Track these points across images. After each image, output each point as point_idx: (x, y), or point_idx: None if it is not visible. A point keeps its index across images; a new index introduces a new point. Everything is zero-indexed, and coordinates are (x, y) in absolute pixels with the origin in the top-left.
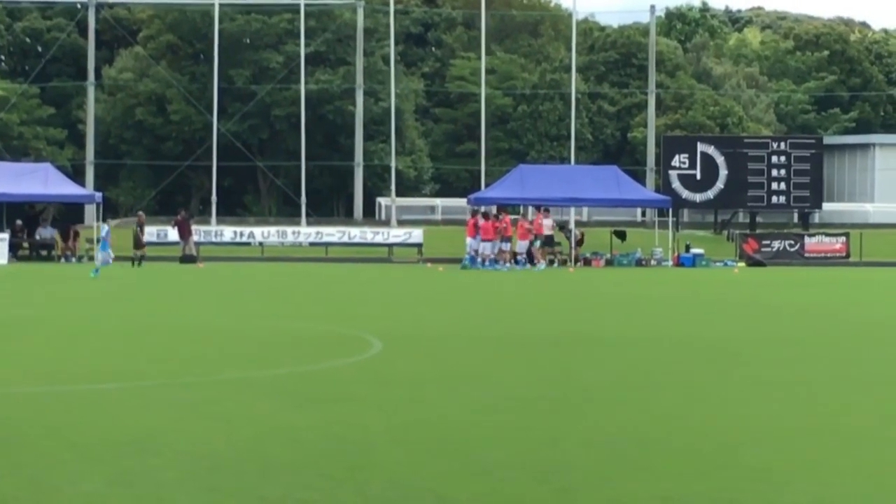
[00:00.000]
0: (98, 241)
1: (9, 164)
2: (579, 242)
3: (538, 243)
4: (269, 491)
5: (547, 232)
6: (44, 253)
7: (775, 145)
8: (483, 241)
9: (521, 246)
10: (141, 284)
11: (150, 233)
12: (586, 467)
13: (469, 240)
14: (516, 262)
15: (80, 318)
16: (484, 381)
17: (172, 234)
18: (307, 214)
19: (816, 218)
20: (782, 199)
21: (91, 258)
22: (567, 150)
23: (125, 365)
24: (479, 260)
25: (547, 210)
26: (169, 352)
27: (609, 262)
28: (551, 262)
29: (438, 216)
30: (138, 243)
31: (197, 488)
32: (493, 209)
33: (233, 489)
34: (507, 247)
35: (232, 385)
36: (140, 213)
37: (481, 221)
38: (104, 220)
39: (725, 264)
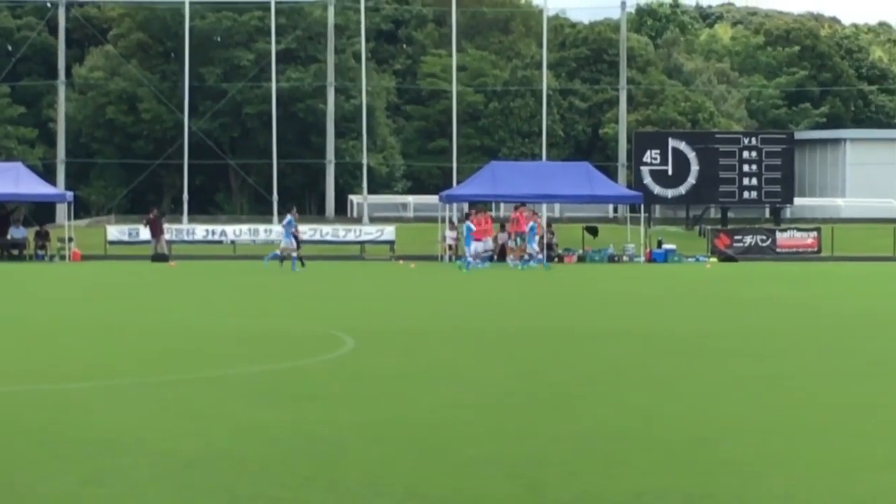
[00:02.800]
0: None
1: None
2: (549, 246)
3: (520, 241)
4: (242, 488)
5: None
6: (15, 252)
7: (746, 141)
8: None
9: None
10: (113, 283)
11: (122, 231)
12: (558, 462)
13: (476, 243)
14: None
15: (52, 317)
16: (456, 378)
17: (144, 232)
18: (279, 212)
19: (788, 213)
20: (754, 194)
21: (63, 257)
22: (539, 146)
23: (97, 364)
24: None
25: (524, 205)
26: (141, 350)
27: (581, 259)
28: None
29: (410, 213)
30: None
31: (170, 486)
32: (465, 207)
33: (206, 487)
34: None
35: (204, 383)
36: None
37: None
38: (288, 210)
39: (697, 260)
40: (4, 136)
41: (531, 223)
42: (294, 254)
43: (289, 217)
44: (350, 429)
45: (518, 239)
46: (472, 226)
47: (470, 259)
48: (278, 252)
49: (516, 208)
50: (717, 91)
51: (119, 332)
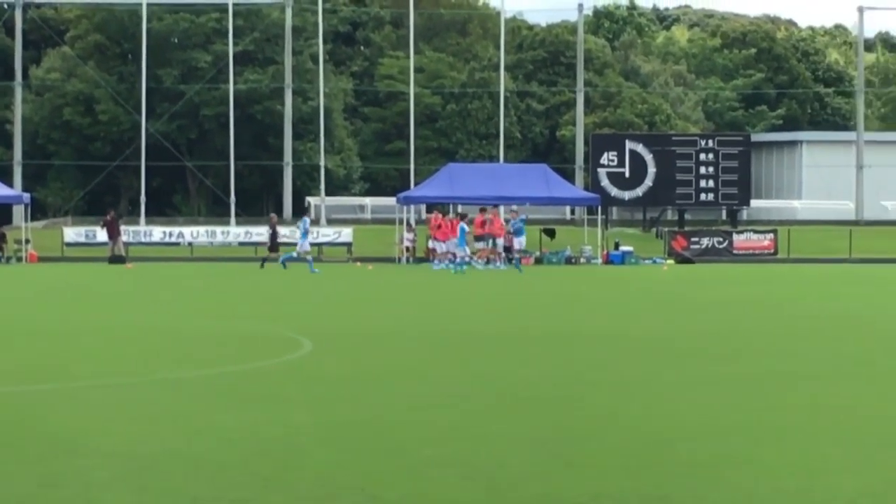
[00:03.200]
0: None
1: None
2: (508, 248)
3: (491, 243)
4: (200, 491)
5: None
6: None
7: (703, 143)
8: (444, 241)
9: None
10: (70, 285)
11: (79, 233)
12: (517, 465)
13: (441, 244)
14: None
15: (8, 319)
16: (414, 380)
17: (101, 234)
18: (236, 214)
19: (745, 215)
20: (711, 196)
21: (19, 259)
22: (496, 148)
23: (54, 366)
24: (458, 259)
25: (495, 207)
26: (97, 353)
27: (538, 261)
28: (487, 262)
29: (368, 215)
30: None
31: (127, 489)
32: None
33: (163, 489)
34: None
35: (161, 385)
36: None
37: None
38: (305, 212)
39: (654, 262)
40: None
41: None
42: (309, 256)
43: (305, 219)
44: (307, 431)
45: (492, 241)
46: (466, 226)
47: (468, 260)
48: (294, 254)
49: (483, 210)
50: (673, 93)
51: (76, 334)
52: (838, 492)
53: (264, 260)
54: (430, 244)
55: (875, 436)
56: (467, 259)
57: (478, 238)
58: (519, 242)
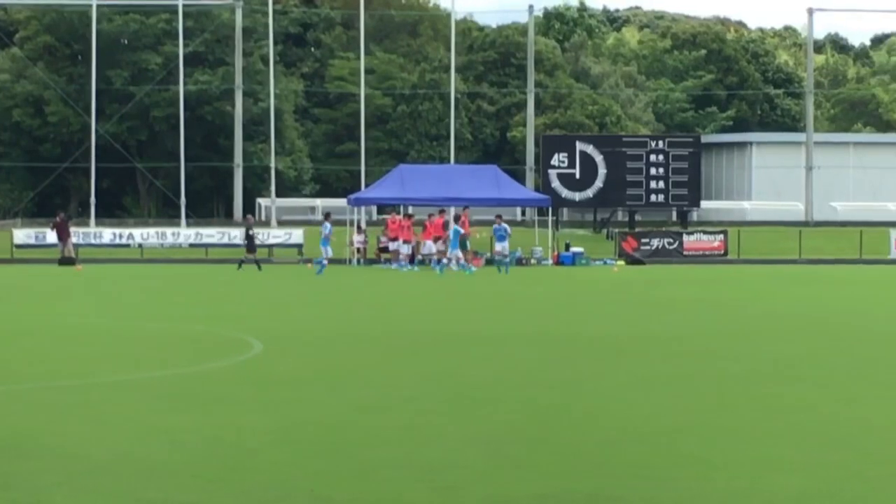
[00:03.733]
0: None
1: None
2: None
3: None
4: (149, 493)
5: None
6: None
7: (654, 144)
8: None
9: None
10: (19, 286)
11: (29, 235)
12: (468, 465)
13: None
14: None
15: None
16: (365, 381)
17: (51, 236)
18: (187, 216)
19: (695, 216)
20: (661, 197)
21: None
22: (447, 149)
23: (2, 368)
24: (445, 260)
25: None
26: (46, 354)
27: (489, 262)
28: (438, 262)
29: (319, 216)
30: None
31: (75, 491)
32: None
33: (112, 491)
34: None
35: (111, 387)
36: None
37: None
38: (326, 218)
39: (605, 263)
40: None
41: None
42: (325, 260)
43: (327, 224)
44: (257, 433)
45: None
46: (460, 228)
47: (463, 264)
48: (324, 260)
49: (442, 211)
50: (624, 94)
51: (25, 335)
52: (789, 491)
53: (241, 262)
54: (393, 245)
55: (825, 435)
56: (456, 262)
57: (437, 239)
58: (503, 247)
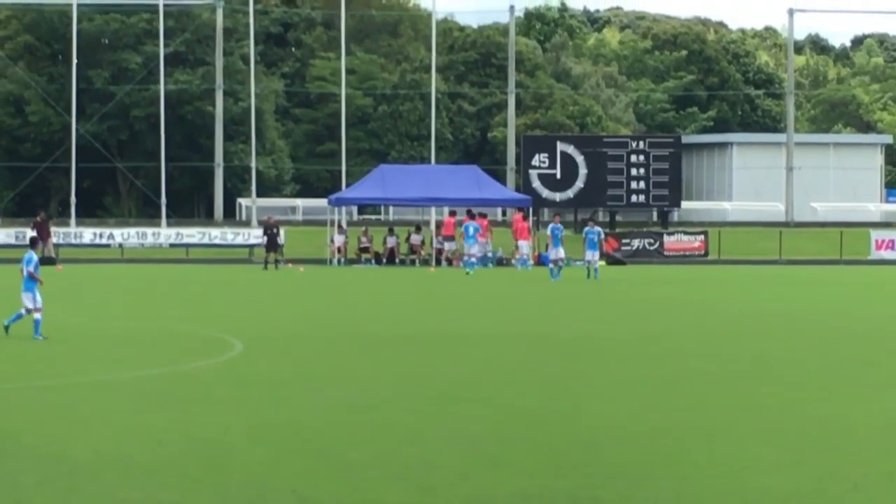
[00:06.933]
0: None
1: None
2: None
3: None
4: (129, 493)
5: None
6: None
7: (634, 144)
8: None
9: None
10: None
11: (9, 234)
12: (447, 465)
13: (482, 241)
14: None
15: None
16: (344, 381)
17: (31, 235)
18: (167, 215)
19: (675, 216)
20: (642, 197)
21: None
22: (427, 149)
23: None
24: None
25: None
26: (26, 354)
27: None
28: (413, 262)
29: (299, 216)
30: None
31: (56, 491)
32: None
33: (92, 491)
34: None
35: (91, 387)
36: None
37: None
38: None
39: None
40: None
41: (475, 225)
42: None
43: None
44: (238, 432)
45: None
46: (479, 226)
47: (473, 260)
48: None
49: (453, 213)
50: (605, 95)
51: (4, 336)
52: (767, 491)
53: (275, 262)
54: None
55: (804, 435)
56: (475, 259)
57: (447, 238)
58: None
